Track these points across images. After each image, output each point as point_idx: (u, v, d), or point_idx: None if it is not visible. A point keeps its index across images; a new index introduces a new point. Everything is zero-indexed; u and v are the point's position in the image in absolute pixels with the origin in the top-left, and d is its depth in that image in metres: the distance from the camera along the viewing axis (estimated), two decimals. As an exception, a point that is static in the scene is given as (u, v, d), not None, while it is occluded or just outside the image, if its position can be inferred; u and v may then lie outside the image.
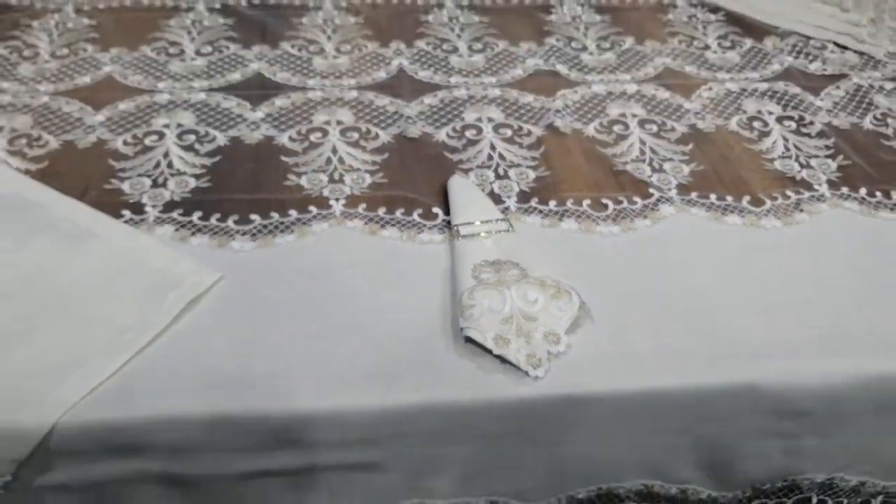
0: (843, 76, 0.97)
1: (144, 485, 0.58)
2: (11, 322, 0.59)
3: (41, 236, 0.66)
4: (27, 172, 0.74)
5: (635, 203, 0.75)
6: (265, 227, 0.70)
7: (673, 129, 0.85)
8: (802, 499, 0.70)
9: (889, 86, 0.95)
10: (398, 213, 0.72)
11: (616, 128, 0.85)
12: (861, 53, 1.02)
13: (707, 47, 1.02)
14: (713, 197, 0.76)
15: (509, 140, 0.82)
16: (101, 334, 0.58)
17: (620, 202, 0.75)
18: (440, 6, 1.07)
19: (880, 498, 0.71)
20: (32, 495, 0.57)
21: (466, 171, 0.77)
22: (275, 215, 0.71)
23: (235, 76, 0.90)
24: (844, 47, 1.03)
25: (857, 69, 0.99)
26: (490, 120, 0.85)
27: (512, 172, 0.78)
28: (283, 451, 0.57)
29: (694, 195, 0.76)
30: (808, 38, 1.05)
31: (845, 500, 0.70)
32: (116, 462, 0.57)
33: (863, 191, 0.79)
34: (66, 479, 0.57)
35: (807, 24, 1.07)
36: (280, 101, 0.86)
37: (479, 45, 0.99)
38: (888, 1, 1.12)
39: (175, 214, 0.70)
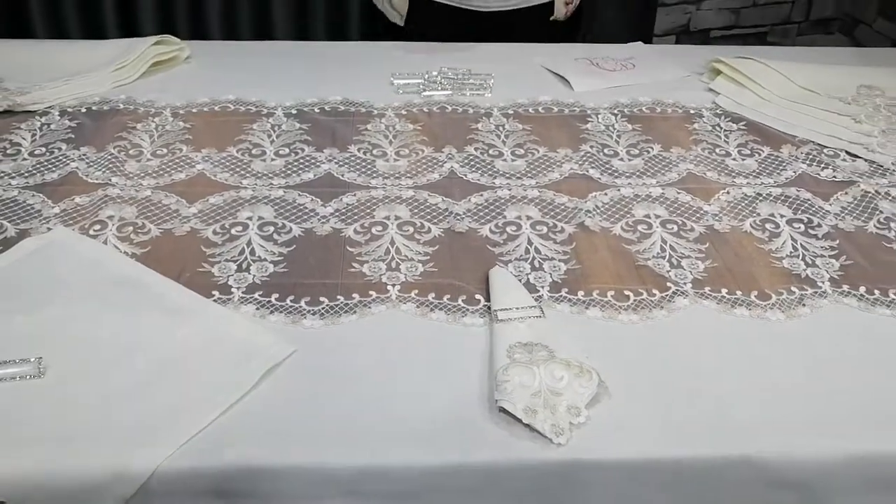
0: (851, 182, 1.07)
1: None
2: (124, 381, 0.71)
3: (147, 311, 0.79)
4: (133, 256, 0.88)
5: (654, 295, 0.85)
6: (332, 308, 0.82)
7: (692, 230, 0.96)
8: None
9: (894, 192, 1.05)
10: (445, 299, 0.84)
11: (640, 227, 0.96)
12: (871, 161, 1.12)
13: (728, 154, 1.13)
14: (724, 291, 0.86)
15: (544, 236, 0.94)
16: (197, 393, 0.70)
17: (640, 294, 0.85)
18: (488, 115, 1.21)
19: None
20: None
21: (506, 263, 0.89)
22: (340, 298, 0.83)
23: (309, 175, 1.04)
24: (855, 156, 1.13)
25: (865, 176, 1.08)
26: (528, 218, 0.97)
27: (546, 265, 0.89)
28: (343, 499, 0.68)
29: (707, 289, 0.86)
30: (823, 146, 1.15)
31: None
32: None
33: (862, 289, 0.88)
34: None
35: (822, 133, 1.18)
36: (347, 199, 0.99)
37: (521, 151, 1.11)
38: (894, 108, 1.22)
39: (256, 295, 0.83)
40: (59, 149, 1.07)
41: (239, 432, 0.68)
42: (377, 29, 1.63)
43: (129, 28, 1.80)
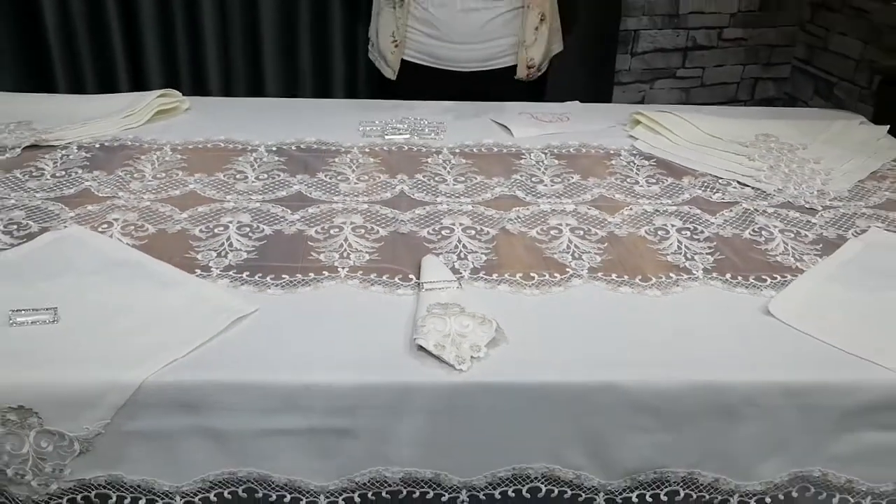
0: (737, 203, 1.28)
1: (193, 436, 0.87)
2: (121, 326, 0.90)
3: (141, 280, 0.99)
4: (133, 246, 1.08)
5: (555, 277, 1.05)
6: (291, 282, 1.01)
7: (595, 234, 1.16)
8: (672, 491, 0.94)
9: (770, 210, 1.26)
10: (384, 277, 1.03)
11: (552, 231, 1.16)
12: (757, 189, 1.33)
13: (636, 182, 1.34)
14: (613, 275, 1.06)
15: (471, 237, 1.14)
16: (177, 335, 0.89)
17: (543, 276, 1.05)
18: (438, 152, 1.43)
19: (736, 497, 0.94)
20: (117, 439, 0.86)
21: (437, 255, 1.09)
22: (299, 275, 1.03)
23: (282, 193, 1.25)
24: (745, 184, 1.34)
25: (749, 199, 1.29)
26: (461, 224, 1.17)
27: (469, 256, 1.09)
28: (289, 413, 0.86)
29: (600, 274, 1.06)
30: (718, 178, 1.37)
31: (706, 496, 0.94)
32: (178, 417, 0.86)
33: (728, 275, 1.07)
34: (143, 427, 0.86)
35: (719, 168, 1.40)
36: (312, 209, 1.20)
37: (461, 178, 1.33)
38: (784, 153, 1.44)
39: (231, 273, 1.03)
40: (76, 172, 1.29)
41: (207, 361, 0.87)
42: (370, 83, 1.88)
43: (138, 84, 2.05)
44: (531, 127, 1.55)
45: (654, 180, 1.35)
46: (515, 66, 1.80)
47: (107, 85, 2.03)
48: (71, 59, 2.01)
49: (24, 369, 0.85)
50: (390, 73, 1.81)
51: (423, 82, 1.78)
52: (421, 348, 0.89)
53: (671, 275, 1.07)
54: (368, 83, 2.11)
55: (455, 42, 1.77)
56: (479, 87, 1.78)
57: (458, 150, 1.44)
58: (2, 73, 1.95)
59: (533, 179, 1.33)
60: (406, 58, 1.80)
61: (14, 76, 1.96)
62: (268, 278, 1.02)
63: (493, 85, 1.80)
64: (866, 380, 0.90)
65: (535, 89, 1.86)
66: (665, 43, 2.75)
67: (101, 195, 1.22)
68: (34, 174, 1.28)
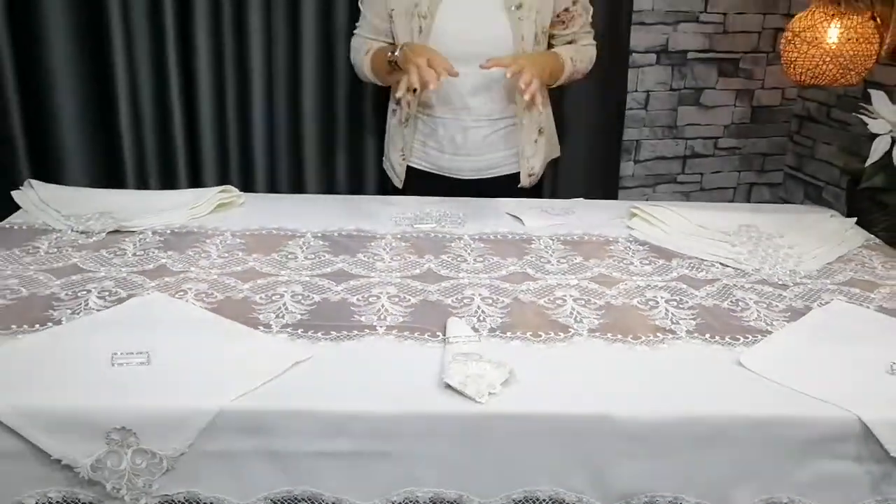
0: (718, 280, 1.48)
1: (258, 458, 1.05)
2: (202, 366, 1.11)
3: (215, 333, 1.20)
4: (205, 309, 1.29)
5: (559, 335, 1.25)
6: (338, 336, 1.22)
7: (594, 303, 1.36)
8: (660, 513, 1.10)
9: (748, 286, 1.46)
10: (415, 334, 1.23)
11: (558, 301, 1.37)
12: (737, 269, 1.53)
13: (631, 263, 1.55)
14: (609, 335, 1.25)
15: (489, 304, 1.34)
16: (246, 373, 1.09)
17: (549, 334, 1.25)
18: (460, 239, 1.65)
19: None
20: (196, 459, 1.05)
21: (460, 317, 1.29)
22: (344, 332, 1.23)
23: (327, 269, 1.47)
24: (726, 265, 1.55)
25: (730, 276, 1.50)
26: (480, 295, 1.38)
27: (487, 319, 1.29)
28: (337, 437, 1.04)
29: (597, 334, 1.26)
30: (703, 260, 1.57)
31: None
32: (246, 440, 1.05)
33: (707, 335, 1.27)
34: (218, 448, 1.04)
35: (705, 252, 1.60)
36: (353, 282, 1.41)
37: (480, 259, 1.54)
38: (763, 240, 1.65)
39: (288, 330, 1.23)
40: (153, 252, 1.52)
41: (271, 393, 1.06)
42: (386, 188, 2.12)
43: (196, 182, 2.34)
44: (540, 219, 1.77)
45: (647, 262, 1.56)
46: (515, 174, 1.99)
47: (168, 183, 2.31)
48: (139, 160, 2.29)
49: (125, 398, 1.05)
50: (398, 182, 2.03)
51: (428, 189, 1.95)
52: (447, 386, 1.08)
53: (658, 335, 1.26)
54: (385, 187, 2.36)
55: (459, 154, 1.96)
56: (481, 192, 1.94)
57: (477, 237, 1.66)
58: (80, 171, 2.23)
59: (542, 260, 1.55)
60: (413, 165, 2.00)
61: (90, 174, 2.24)
62: (318, 334, 1.23)
63: (495, 190, 1.95)
64: (821, 415, 1.08)
65: (533, 193, 2.04)
66: (665, 151, 3.02)
67: (175, 270, 1.44)
68: (118, 253, 1.51)
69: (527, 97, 1.68)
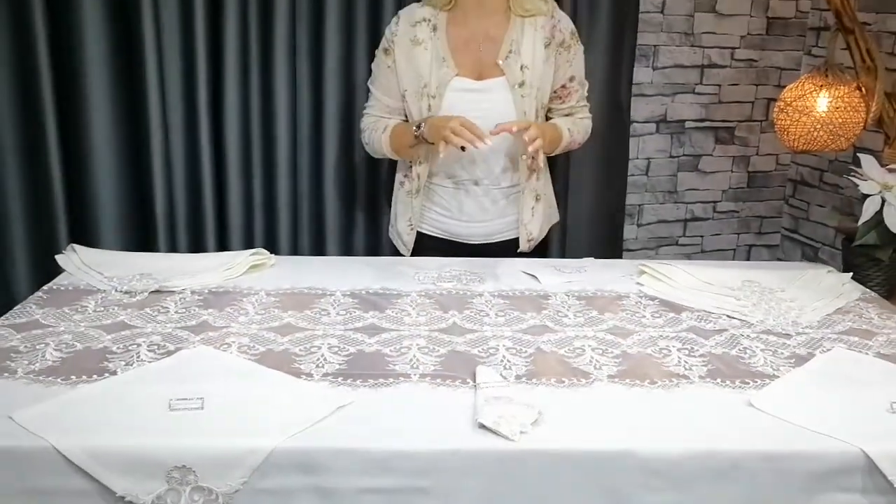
0: (726, 330, 1.58)
1: (307, 494, 1.14)
2: (252, 410, 1.19)
3: (262, 381, 1.29)
4: (249, 360, 1.38)
5: (581, 381, 1.34)
6: (375, 384, 1.31)
7: (611, 352, 1.46)
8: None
9: (753, 335, 1.55)
10: (447, 381, 1.33)
11: (577, 350, 1.46)
12: (743, 321, 1.63)
13: (644, 317, 1.65)
14: (627, 380, 1.35)
15: (514, 354, 1.44)
16: (295, 415, 1.18)
17: (571, 380, 1.34)
18: (481, 295, 1.75)
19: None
20: (250, 496, 1.13)
21: (488, 366, 1.38)
22: (381, 380, 1.32)
23: (359, 324, 1.57)
24: (733, 317, 1.65)
25: (736, 327, 1.59)
26: (504, 346, 1.48)
27: (513, 367, 1.39)
28: (380, 475, 1.13)
29: (616, 379, 1.35)
30: (711, 312, 1.67)
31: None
32: (297, 477, 1.13)
33: (718, 380, 1.36)
34: (270, 485, 1.13)
35: (712, 305, 1.71)
36: (385, 335, 1.51)
37: (501, 314, 1.64)
38: (766, 294, 1.75)
39: (329, 378, 1.32)
40: (194, 310, 1.62)
41: (318, 434, 1.15)
42: (397, 254, 2.21)
43: (223, 247, 2.46)
44: (555, 276, 1.88)
45: (657, 315, 1.66)
46: (515, 239, 2.09)
47: (197, 246, 2.43)
48: (170, 224, 2.43)
49: (183, 439, 1.14)
50: (405, 250, 2.12)
51: (436, 254, 2.05)
52: (481, 426, 1.17)
53: (673, 379, 1.36)
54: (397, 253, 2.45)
55: (463, 220, 2.07)
56: (484, 256, 2.03)
57: (496, 294, 1.76)
58: (116, 236, 2.36)
59: (559, 314, 1.65)
60: (421, 230, 2.10)
61: (125, 240, 2.37)
62: (357, 381, 1.32)
63: (497, 254, 2.05)
64: (828, 450, 1.17)
65: (538, 255, 2.13)
66: (666, 215, 3.15)
67: (216, 325, 1.54)
68: (161, 311, 1.61)
69: (531, 149, 1.80)
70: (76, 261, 1.85)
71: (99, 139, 2.33)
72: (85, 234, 2.32)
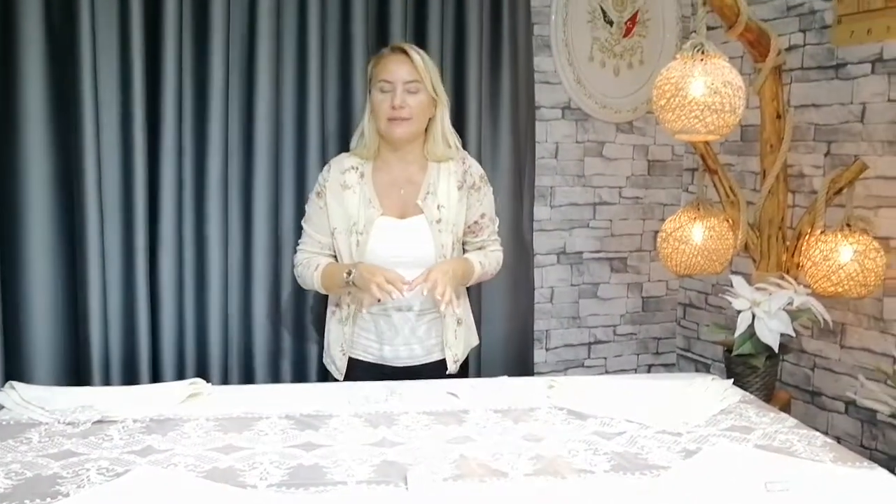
0: (625, 432, 1.78)
1: None
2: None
3: (215, 495, 1.40)
4: (197, 477, 1.49)
5: (500, 480, 1.50)
6: (316, 491, 1.44)
7: (527, 455, 1.63)
8: None
9: (650, 435, 1.76)
10: (381, 485, 1.47)
11: (495, 455, 1.63)
12: (640, 424, 1.84)
13: (554, 424, 1.84)
14: (541, 476, 1.52)
15: (440, 460, 1.60)
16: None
17: (493, 479, 1.50)
18: (406, 413, 1.91)
19: None
20: None
21: (417, 467, 1.53)
22: (321, 487, 1.45)
23: (297, 442, 1.70)
24: (631, 421, 1.85)
25: (635, 429, 1.80)
26: (432, 454, 1.63)
27: (440, 471, 1.54)
28: None
29: (531, 475, 1.52)
30: (613, 418, 1.88)
31: None
32: None
33: (620, 472, 1.55)
34: None
35: (613, 412, 1.91)
36: (321, 451, 1.65)
37: (426, 427, 1.80)
38: (658, 399, 1.98)
39: (273, 488, 1.45)
40: (138, 436, 1.72)
41: None
42: (327, 380, 2.36)
43: (155, 378, 2.54)
44: (473, 394, 2.06)
45: (566, 422, 1.86)
46: (442, 360, 2.28)
47: (130, 379, 2.52)
48: (105, 357, 2.51)
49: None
50: (339, 375, 2.29)
51: (368, 377, 2.20)
52: None
53: (582, 475, 1.54)
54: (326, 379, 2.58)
55: (393, 344, 2.25)
56: (413, 377, 2.20)
57: (421, 412, 1.92)
58: (48, 374, 2.43)
59: (478, 426, 1.82)
60: (353, 356, 2.28)
61: (56, 376, 2.45)
62: (300, 490, 1.45)
63: (426, 376, 2.22)
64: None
65: (460, 376, 2.31)
66: (571, 339, 3.40)
67: (161, 448, 1.65)
68: (106, 438, 1.70)
69: (443, 307, 2.07)
70: (15, 397, 1.92)
71: (35, 277, 2.44)
72: (18, 372, 2.38)
